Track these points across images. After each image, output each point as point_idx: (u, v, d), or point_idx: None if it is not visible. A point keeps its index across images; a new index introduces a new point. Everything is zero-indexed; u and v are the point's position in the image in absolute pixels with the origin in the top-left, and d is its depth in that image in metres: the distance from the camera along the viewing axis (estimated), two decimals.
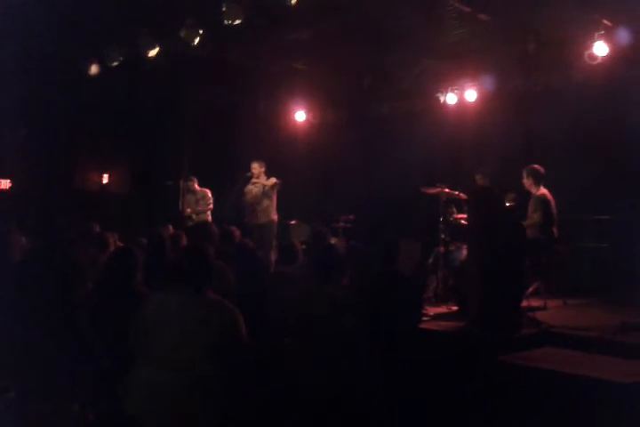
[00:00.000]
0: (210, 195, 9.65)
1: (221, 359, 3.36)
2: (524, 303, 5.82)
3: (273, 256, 8.00)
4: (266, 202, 8.92)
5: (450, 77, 9.31)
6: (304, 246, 6.44)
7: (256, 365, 3.79)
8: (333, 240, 7.59)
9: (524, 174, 6.86)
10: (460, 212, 7.26)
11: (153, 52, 7.90)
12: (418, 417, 4.27)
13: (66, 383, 3.73)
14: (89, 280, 4.55)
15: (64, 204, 9.61)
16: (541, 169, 6.84)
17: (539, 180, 6.81)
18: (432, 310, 6.36)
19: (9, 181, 10.21)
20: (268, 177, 9.02)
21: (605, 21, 7.27)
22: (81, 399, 3.76)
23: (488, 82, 8.94)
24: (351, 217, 9.29)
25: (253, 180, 8.97)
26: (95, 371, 3.71)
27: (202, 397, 3.29)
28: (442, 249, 7.07)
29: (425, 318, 5.89)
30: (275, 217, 9.00)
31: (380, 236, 5.42)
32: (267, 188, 8.87)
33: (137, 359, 3.45)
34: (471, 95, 9.18)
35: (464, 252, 6.73)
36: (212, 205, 9.58)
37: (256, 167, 8.99)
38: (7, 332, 3.82)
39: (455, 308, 6.33)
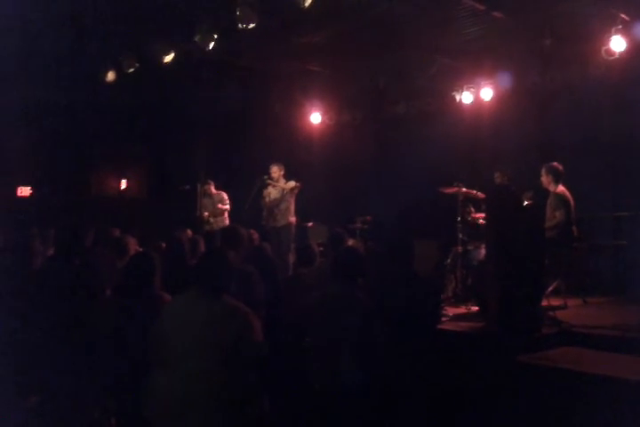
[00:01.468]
0: (226, 197, 9.72)
1: (238, 363, 3.37)
2: (544, 302, 5.77)
3: (291, 258, 8.03)
4: (284, 205, 8.95)
5: (465, 76, 9.26)
6: (321, 248, 6.44)
7: (272, 366, 3.81)
8: (351, 241, 7.58)
9: (543, 172, 6.79)
10: (477, 211, 7.23)
11: (168, 58, 7.96)
12: (438, 417, 4.26)
13: (86, 389, 3.77)
14: (108, 286, 4.59)
15: (84, 210, 9.72)
16: (560, 166, 6.77)
17: (558, 177, 6.74)
18: (451, 311, 6.33)
19: (29, 188, 10.35)
20: (287, 180, 9.06)
21: (623, 15, 7.18)
22: (102, 405, 3.79)
23: (504, 80, 8.87)
24: (368, 218, 9.27)
25: (272, 183, 9.01)
26: (115, 376, 3.74)
27: (218, 402, 3.30)
28: (460, 249, 7.04)
29: (444, 319, 5.87)
30: (293, 219, 9.02)
31: (396, 237, 5.38)
32: (286, 191, 8.89)
33: (156, 364, 3.47)
34: (487, 93, 9.11)
35: (482, 251, 6.69)
36: (229, 206, 9.64)
37: (275, 170, 9.03)
38: (27, 338, 3.88)
39: (475, 308, 6.29)
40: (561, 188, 6.74)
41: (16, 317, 4.04)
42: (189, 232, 7.10)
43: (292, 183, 8.95)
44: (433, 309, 4.73)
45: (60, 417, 3.71)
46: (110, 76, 8.61)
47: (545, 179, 6.79)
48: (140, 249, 5.84)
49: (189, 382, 3.28)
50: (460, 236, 7.07)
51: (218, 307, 3.48)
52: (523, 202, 6.41)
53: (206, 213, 9.61)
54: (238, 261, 4.28)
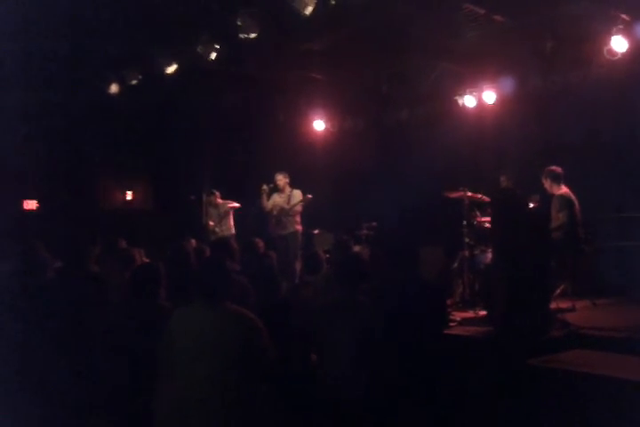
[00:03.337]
0: (233, 203, 9.76)
1: (246, 369, 3.38)
2: (553, 305, 5.75)
3: (298, 266, 8.03)
4: (291, 213, 8.97)
5: (468, 80, 9.25)
6: (327, 255, 6.44)
7: (283, 374, 3.81)
8: (357, 248, 7.57)
9: (543, 177, 6.84)
10: (483, 215, 7.21)
11: (171, 69, 8.01)
12: (447, 422, 4.24)
13: (93, 396, 3.78)
14: (114, 297, 4.60)
15: (90, 222, 9.76)
16: (557, 169, 6.80)
17: (557, 180, 6.77)
18: (459, 315, 6.31)
19: (36, 201, 10.40)
20: (292, 188, 9.08)
21: (623, 16, 7.17)
22: (108, 416, 3.79)
23: (506, 83, 8.86)
24: (374, 224, 9.26)
25: (279, 191, 9.06)
26: (122, 384, 3.75)
27: (225, 408, 3.29)
28: (467, 253, 7.02)
29: (452, 324, 5.85)
30: (299, 227, 9.06)
31: (402, 242, 5.38)
32: (294, 201, 8.91)
33: (164, 375, 3.47)
34: (490, 97, 9.10)
35: (489, 255, 6.68)
36: (237, 204, 9.66)
37: (281, 179, 9.09)
38: (34, 350, 3.89)
39: (482, 312, 6.27)
40: (564, 189, 6.74)
41: (29, 328, 4.05)
42: (193, 242, 7.11)
43: (298, 193, 8.96)
44: (439, 313, 4.70)
45: (66, 424, 3.72)
46: (113, 88, 8.68)
47: (546, 183, 6.85)
48: (147, 260, 5.85)
49: (196, 388, 3.30)
50: (467, 240, 7.06)
51: (221, 314, 3.50)
52: (528, 205, 6.41)
53: (211, 223, 9.63)
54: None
